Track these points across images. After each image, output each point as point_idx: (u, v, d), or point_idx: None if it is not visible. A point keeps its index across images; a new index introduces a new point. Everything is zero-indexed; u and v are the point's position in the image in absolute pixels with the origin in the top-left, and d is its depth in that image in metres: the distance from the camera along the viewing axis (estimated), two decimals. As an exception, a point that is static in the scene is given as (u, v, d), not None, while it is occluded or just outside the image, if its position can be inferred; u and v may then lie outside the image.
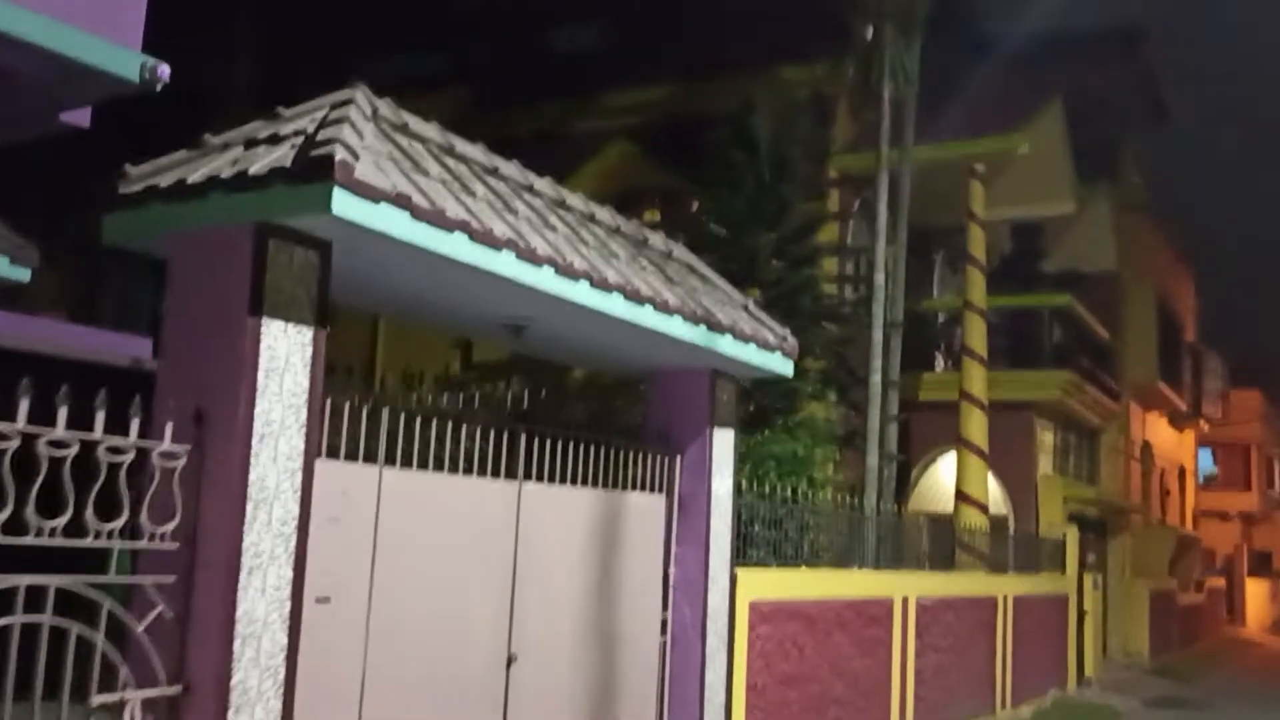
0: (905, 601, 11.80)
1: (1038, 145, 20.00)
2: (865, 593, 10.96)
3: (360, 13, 22.33)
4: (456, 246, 5.36)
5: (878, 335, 13.48)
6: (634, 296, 6.71)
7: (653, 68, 19.89)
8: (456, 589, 6.35)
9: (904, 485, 21.32)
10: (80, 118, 7.55)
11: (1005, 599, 14.88)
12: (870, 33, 16.64)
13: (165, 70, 6.89)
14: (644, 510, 8.13)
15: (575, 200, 7.38)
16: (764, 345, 8.21)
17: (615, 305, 6.58)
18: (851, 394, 14.52)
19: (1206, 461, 43.32)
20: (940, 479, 20.75)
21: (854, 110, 19.42)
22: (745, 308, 8.58)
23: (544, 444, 7.13)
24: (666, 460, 8.41)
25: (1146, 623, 24.10)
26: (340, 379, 5.69)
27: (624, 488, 7.94)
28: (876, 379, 13.38)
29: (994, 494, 20.88)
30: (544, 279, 5.96)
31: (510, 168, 6.83)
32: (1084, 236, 24.12)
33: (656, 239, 8.24)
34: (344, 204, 4.75)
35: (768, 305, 14.13)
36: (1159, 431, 30.13)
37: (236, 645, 4.74)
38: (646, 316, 6.86)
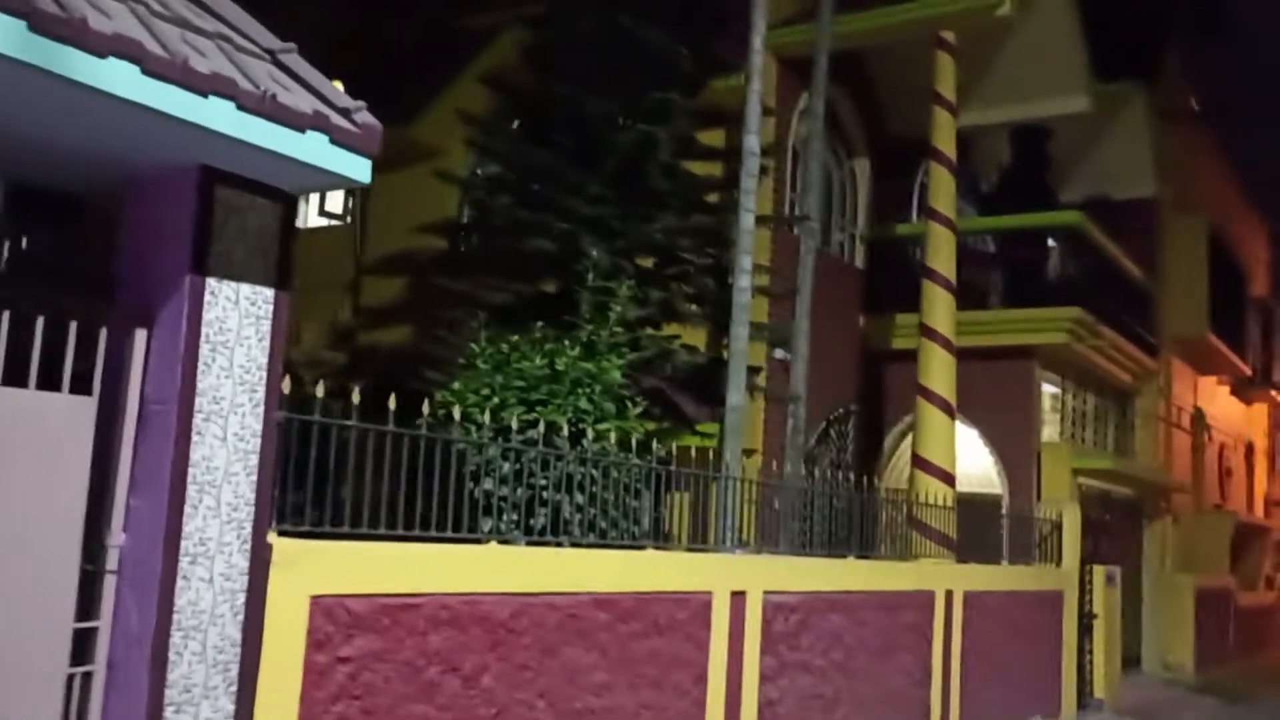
0: (742, 599, 7.79)
1: (1036, 19, 15.71)
2: (645, 584, 6.97)
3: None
4: None
5: (747, 223, 9.38)
6: None
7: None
8: None
9: (874, 453, 17.26)
10: None
11: (948, 595, 10.75)
12: None
13: None
14: (30, 425, 4.28)
15: None
16: (266, 112, 4.29)
17: None
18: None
19: (1287, 441, 37.87)
20: (922, 447, 16.53)
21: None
22: (272, 56, 4.68)
23: None
24: (110, 335, 4.55)
25: (1191, 627, 19.56)
26: None
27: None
28: (744, 283, 9.31)
29: (986, 466, 16.71)
30: None
31: None
32: (1114, 154, 19.60)
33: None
34: None
35: (610, 183, 10.27)
36: (1217, 401, 25.34)
37: None
38: None
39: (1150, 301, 19.99)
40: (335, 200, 18.96)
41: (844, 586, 9.14)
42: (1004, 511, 14.70)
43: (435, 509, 5.73)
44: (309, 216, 19.08)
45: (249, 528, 4.71)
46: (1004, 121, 17.40)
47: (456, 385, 7.33)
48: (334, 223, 18.85)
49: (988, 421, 16.37)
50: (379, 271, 17.04)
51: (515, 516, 6.96)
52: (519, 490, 6.92)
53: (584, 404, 7.30)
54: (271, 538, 4.82)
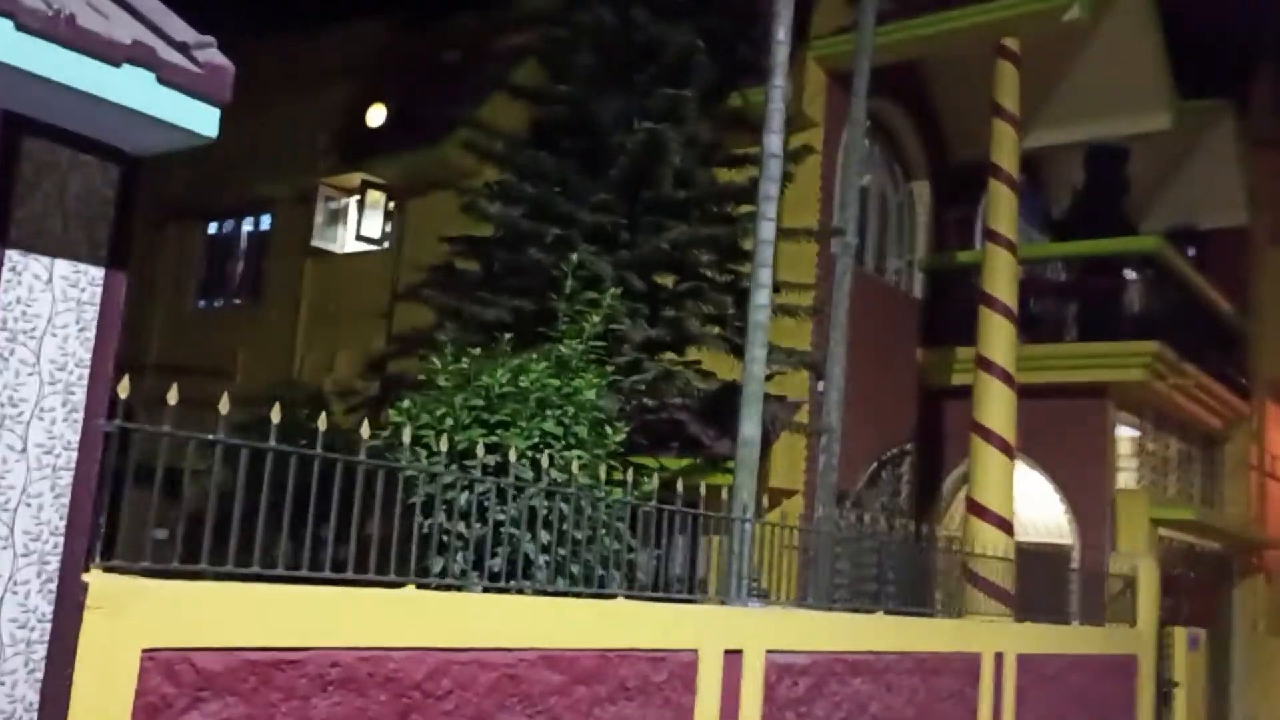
0: (738, 658, 6.69)
1: (1113, 31, 14.49)
2: (611, 640, 5.91)
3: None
4: None
5: (766, 232, 8.35)
6: None
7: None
8: None
9: (931, 498, 15.96)
10: None
11: (998, 659, 9.48)
12: None
13: None
14: None
15: None
16: (60, 37, 3.41)
17: None
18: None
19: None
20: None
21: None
22: (96, -20, 3.81)
23: None
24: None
25: (1286, 697, 17.81)
26: None
27: None
28: (762, 299, 8.26)
29: (1056, 515, 15.28)
30: None
31: None
32: (1201, 179, 18.18)
33: None
34: None
35: (617, 189, 9.32)
36: (1318, 450, 23.47)
37: None
38: None
39: (1241, 339, 18.42)
40: (373, 225, 18.25)
41: (870, 646, 7.97)
42: (1073, 565, 13.32)
43: (332, 545, 4.77)
44: (346, 242, 18.45)
45: (55, 562, 3.79)
46: (1078, 141, 16.16)
47: (406, 404, 6.39)
48: (371, 248, 18.16)
49: (1058, 466, 15.03)
50: (409, 297, 16.33)
51: (470, 557, 5.98)
52: (473, 526, 5.95)
53: (551, 426, 6.30)
54: (91, 575, 3.89)
